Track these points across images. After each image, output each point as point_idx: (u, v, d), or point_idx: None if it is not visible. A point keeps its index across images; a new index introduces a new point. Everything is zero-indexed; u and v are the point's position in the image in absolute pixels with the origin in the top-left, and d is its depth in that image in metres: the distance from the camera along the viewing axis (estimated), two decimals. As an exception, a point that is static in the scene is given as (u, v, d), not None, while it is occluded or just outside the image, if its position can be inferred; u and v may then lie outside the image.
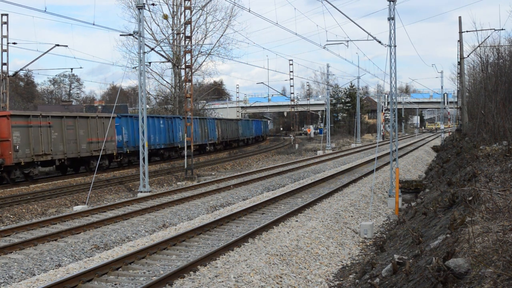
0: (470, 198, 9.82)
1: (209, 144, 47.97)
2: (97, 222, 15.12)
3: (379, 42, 20.96)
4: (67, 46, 34.56)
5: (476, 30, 33.08)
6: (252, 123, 70.05)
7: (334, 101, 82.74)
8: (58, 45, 34.64)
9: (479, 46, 32.72)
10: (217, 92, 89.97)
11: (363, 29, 20.50)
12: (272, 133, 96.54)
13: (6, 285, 9.97)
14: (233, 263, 10.48)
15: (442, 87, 60.29)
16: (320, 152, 45.34)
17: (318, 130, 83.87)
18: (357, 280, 10.17)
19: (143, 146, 21.63)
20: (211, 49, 48.44)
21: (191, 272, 9.88)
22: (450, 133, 57.08)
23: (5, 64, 36.16)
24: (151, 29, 47.09)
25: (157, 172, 30.01)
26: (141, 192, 21.37)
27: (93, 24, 31.66)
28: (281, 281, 9.90)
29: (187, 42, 29.93)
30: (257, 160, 40.35)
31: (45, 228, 14.83)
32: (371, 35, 20.74)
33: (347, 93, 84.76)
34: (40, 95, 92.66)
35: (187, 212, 17.26)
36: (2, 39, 35.71)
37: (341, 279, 10.83)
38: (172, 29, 45.73)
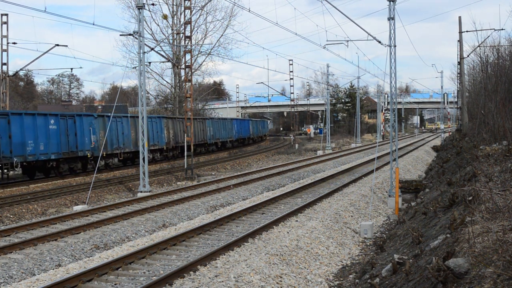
0: (470, 198, 9.82)
1: (156, 150, 36.18)
2: (97, 222, 15.12)
3: (379, 42, 20.95)
4: (67, 46, 34.65)
5: (476, 30, 33.10)
6: (232, 123, 55.35)
7: (334, 101, 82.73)
8: (58, 45, 34.69)
9: (479, 46, 32.72)
10: (217, 92, 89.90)
11: (363, 29, 20.51)
12: (272, 133, 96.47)
13: (6, 285, 9.97)
14: (233, 263, 10.48)
15: (442, 87, 60.35)
16: (320, 152, 45.34)
17: (318, 130, 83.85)
18: (357, 280, 10.17)
19: (143, 146, 21.63)
20: (211, 49, 48.50)
21: (191, 272, 9.88)
22: (450, 133, 57.08)
23: (5, 64, 36.20)
24: (151, 29, 47.14)
25: (157, 172, 30.01)
26: (141, 192, 21.37)
27: (93, 24, 31.75)
28: (281, 281, 9.90)
29: (187, 42, 29.93)
30: (257, 160, 40.35)
31: (45, 228, 14.83)
32: (371, 35, 20.75)
33: (347, 93, 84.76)
34: (40, 95, 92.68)
35: (187, 212, 17.26)
36: (2, 39, 35.74)
37: (341, 279, 10.83)
38: (172, 29, 45.73)
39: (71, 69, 70.47)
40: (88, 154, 28.33)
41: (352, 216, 16.63)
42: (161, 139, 36.42)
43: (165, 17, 45.75)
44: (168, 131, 37.73)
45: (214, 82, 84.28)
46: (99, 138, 29.15)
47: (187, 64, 29.73)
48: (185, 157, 28.45)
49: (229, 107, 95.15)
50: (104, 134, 28.31)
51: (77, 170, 28.12)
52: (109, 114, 28.65)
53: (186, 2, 30.38)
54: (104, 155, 29.13)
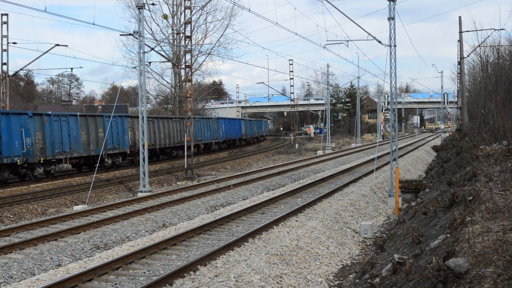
0: (470, 198, 9.82)
1: (117, 155, 31.33)
2: (97, 222, 15.12)
3: (379, 42, 20.95)
4: (67, 46, 34.64)
5: (476, 30, 33.10)
6: (218, 122, 48.81)
7: (334, 101, 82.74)
8: (58, 45, 34.70)
9: (479, 46, 32.71)
10: (217, 92, 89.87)
11: (363, 29, 20.50)
12: (272, 133, 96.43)
13: (6, 285, 9.97)
14: (233, 263, 10.48)
15: (442, 87, 60.35)
16: (320, 152, 45.34)
17: (318, 130, 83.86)
18: (357, 280, 10.17)
19: (143, 146, 21.64)
20: (211, 49, 48.50)
21: (191, 272, 9.88)
22: (450, 133, 57.08)
23: (5, 64, 36.20)
24: (151, 29, 47.15)
25: (157, 172, 30.02)
26: (141, 192, 21.38)
27: (93, 24, 31.79)
28: (281, 280, 9.90)
29: (187, 42, 29.93)
30: (257, 160, 40.35)
31: (45, 228, 14.83)
32: (371, 35, 20.74)
33: (347, 93, 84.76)
34: (40, 95, 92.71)
35: (187, 212, 17.26)
36: (2, 39, 35.75)
37: (341, 278, 10.83)
38: (172, 29, 45.73)
39: (71, 69, 70.31)
40: (18, 160, 23.24)
41: (352, 216, 16.63)
42: (124, 141, 31.56)
43: (165, 17, 45.77)
44: (133, 132, 32.61)
45: (214, 82, 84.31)
46: (34, 142, 24.39)
47: (187, 64, 29.73)
48: (185, 157, 28.46)
49: (229, 107, 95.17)
50: (43, 136, 24.86)
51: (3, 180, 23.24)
52: (49, 113, 25.81)
53: (186, 2, 30.38)
54: (42, 161, 24.78)
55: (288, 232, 13.29)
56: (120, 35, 57.45)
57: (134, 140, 32.52)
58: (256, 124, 69.14)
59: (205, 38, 48.26)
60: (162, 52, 46.97)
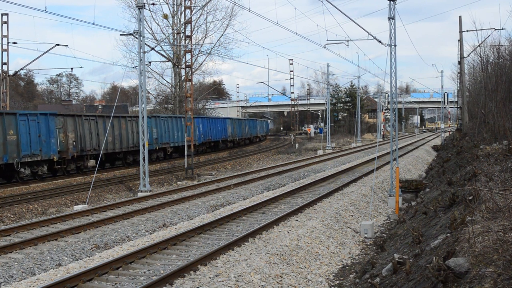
0: (470, 198, 9.83)
1: (38, 163, 25.24)
2: (97, 221, 15.12)
3: (379, 41, 20.94)
4: (67, 45, 34.64)
5: (476, 30, 33.13)
6: (183, 123, 37.58)
7: (334, 100, 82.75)
8: (58, 44, 34.72)
9: (479, 45, 32.70)
10: (217, 91, 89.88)
11: (363, 29, 20.49)
12: (273, 132, 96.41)
13: (6, 284, 9.97)
14: (234, 263, 10.48)
15: (442, 86, 60.35)
16: (320, 152, 45.34)
17: (318, 130, 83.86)
18: (357, 280, 10.17)
19: (143, 145, 21.64)
20: (211, 49, 48.49)
21: (192, 272, 9.88)
22: (450, 133, 57.08)
23: (5, 63, 36.21)
24: (151, 29, 47.18)
25: (157, 172, 30.01)
26: (141, 191, 21.38)
27: (93, 24, 31.87)
28: (281, 280, 9.90)
29: (187, 41, 29.93)
30: (257, 160, 40.36)
31: (45, 228, 14.83)
32: (371, 35, 20.74)
33: (347, 92, 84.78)
34: (40, 94, 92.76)
35: (187, 212, 17.26)
36: (2, 38, 35.76)
37: (342, 278, 10.83)
38: (172, 29, 45.73)
39: (71, 68, 70.68)
40: None
41: (352, 215, 16.63)
42: (49, 146, 25.44)
43: (165, 16, 45.78)
44: (66, 134, 27.15)
45: (214, 81, 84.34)
46: None
47: (187, 63, 29.73)
48: (185, 157, 28.47)
49: (229, 107, 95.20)
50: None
51: None
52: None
53: (187, 1, 30.38)
54: None
55: (288, 232, 13.29)
56: (121, 35, 57.40)
57: (67, 144, 27.03)
58: (249, 123, 63.39)
59: (205, 38, 48.31)
60: (162, 52, 47.03)
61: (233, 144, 55.12)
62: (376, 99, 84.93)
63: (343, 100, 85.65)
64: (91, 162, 28.90)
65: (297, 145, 55.88)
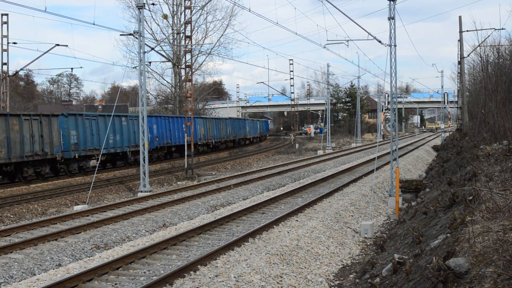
0: (471, 198, 9.82)
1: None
2: (97, 221, 15.12)
3: (379, 41, 20.94)
4: (67, 46, 34.63)
5: (476, 30, 33.06)
6: (130, 124, 32.93)
7: (334, 100, 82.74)
8: (58, 44, 34.73)
9: (479, 45, 32.67)
10: (217, 91, 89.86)
11: (363, 29, 20.50)
12: (273, 132, 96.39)
13: (6, 284, 9.97)
14: (234, 263, 10.48)
15: (442, 86, 60.38)
16: (320, 152, 45.33)
17: (319, 130, 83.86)
18: (357, 280, 10.17)
19: (143, 145, 21.64)
20: (211, 49, 48.51)
21: (192, 272, 9.88)
22: (450, 133, 57.08)
23: (5, 64, 36.21)
24: (151, 29, 47.21)
25: (157, 172, 30.01)
26: (141, 191, 21.38)
27: (93, 24, 31.83)
28: (281, 280, 9.89)
29: (187, 41, 29.93)
30: (257, 160, 40.35)
31: (45, 228, 14.83)
32: (371, 35, 20.74)
33: (347, 92, 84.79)
34: (40, 95, 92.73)
35: (188, 212, 17.26)
36: (2, 39, 35.76)
37: (342, 278, 10.83)
38: (172, 29, 45.73)
39: (72, 68, 70.51)
40: None
41: (352, 215, 16.63)
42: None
43: (165, 16, 45.79)
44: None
45: (214, 81, 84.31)
46: None
47: (187, 63, 29.73)
48: (185, 157, 28.46)
49: (229, 107, 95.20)
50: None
51: None
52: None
53: (186, 2, 30.38)
54: None
55: (288, 232, 13.28)
56: (121, 35, 57.48)
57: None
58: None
59: (205, 38, 48.32)
60: (162, 52, 47.04)
61: (233, 144, 55.03)
62: (376, 99, 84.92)
63: (343, 100, 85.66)
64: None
65: (297, 145, 55.87)
